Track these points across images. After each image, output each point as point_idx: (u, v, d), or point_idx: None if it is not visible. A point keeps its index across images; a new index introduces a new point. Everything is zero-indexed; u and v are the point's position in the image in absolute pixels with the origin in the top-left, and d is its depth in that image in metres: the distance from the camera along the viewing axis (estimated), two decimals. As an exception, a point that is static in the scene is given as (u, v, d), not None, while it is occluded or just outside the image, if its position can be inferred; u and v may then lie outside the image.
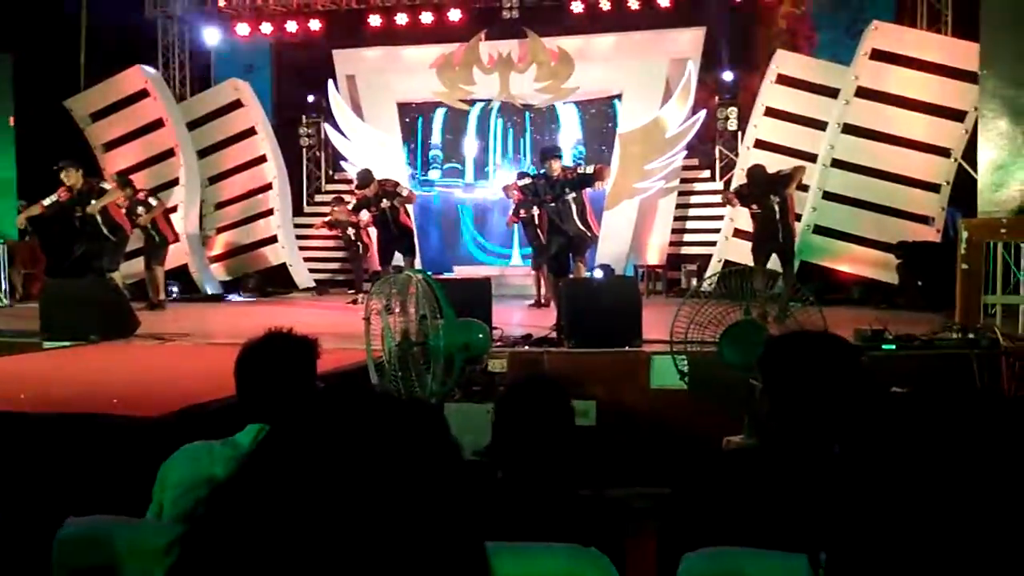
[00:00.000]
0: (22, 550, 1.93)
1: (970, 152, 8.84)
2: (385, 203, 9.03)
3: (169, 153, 11.09)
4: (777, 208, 8.26)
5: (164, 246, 9.54)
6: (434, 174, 12.55)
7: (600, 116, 12.12)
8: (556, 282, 7.83)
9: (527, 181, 8.69)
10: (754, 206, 8.47)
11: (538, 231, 8.45)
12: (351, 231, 10.88)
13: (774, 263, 8.28)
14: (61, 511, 1.78)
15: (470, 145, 12.43)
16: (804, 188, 9.45)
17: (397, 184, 9.39)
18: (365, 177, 9.22)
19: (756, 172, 8.65)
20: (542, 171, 8.52)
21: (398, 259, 9.42)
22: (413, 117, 12.47)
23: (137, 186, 9.67)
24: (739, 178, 9.80)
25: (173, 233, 9.91)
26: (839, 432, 1.65)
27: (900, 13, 10.71)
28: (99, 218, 8.63)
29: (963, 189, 9.07)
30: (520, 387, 2.07)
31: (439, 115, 12.47)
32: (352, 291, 10.74)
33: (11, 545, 2.04)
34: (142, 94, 11.10)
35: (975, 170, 8.35)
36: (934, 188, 9.55)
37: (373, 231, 10.34)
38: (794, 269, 8.41)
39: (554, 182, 8.17)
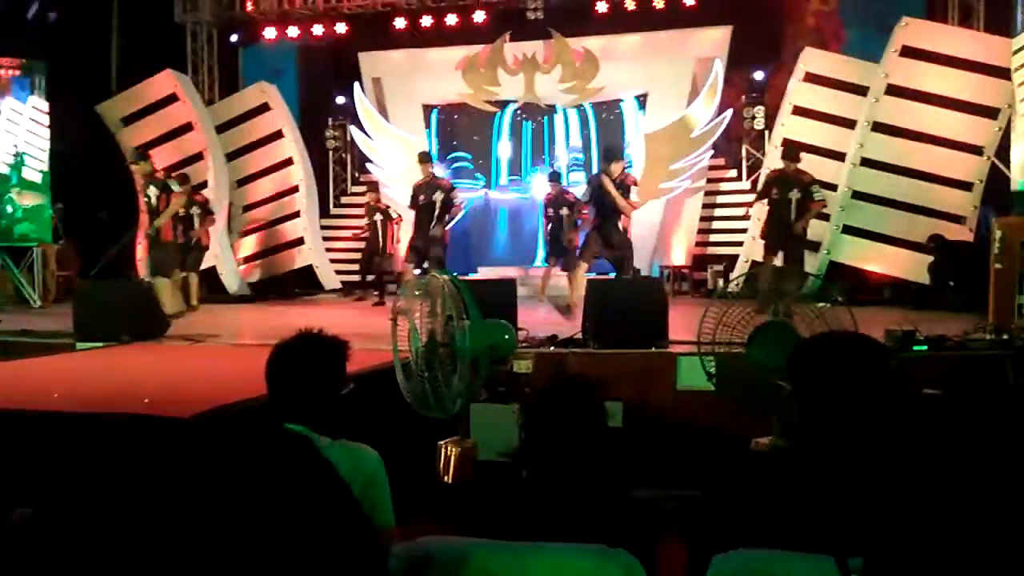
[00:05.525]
0: (55, 550, 1.96)
1: (1003, 150, 8.70)
2: (439, 196, 8.87)
3: (198, 156, 11.22)
4: (794, 207, 7.79)
5: (202, 252, 9.74)
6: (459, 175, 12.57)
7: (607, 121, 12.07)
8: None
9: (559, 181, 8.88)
10: (775, 191, 7.95)
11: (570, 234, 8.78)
12: (378, 217, 10.56)
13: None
14: (92, 511, 1.80)
15: (499, 147, 12.43)
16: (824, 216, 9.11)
17: (454, 188, 9.34)
18: (428, 153, 9.48)
19: (790, 151, 8.09)
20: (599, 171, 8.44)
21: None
22: (439, 119, 12.50)
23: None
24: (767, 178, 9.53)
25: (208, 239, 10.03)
26: (870, 435, 1.63)
27: (931, 8, 10.55)
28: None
29: (996, 188, 8.93)
30: (551, 391, 2.07)
31: (465, 117, 12.48)
32: (376, 292, 10.33)
33: (45, 545, 2.08)
34: (171, 98, 11.24)
35: (1008, 168, 8.21)
36: (966, 187, 9.39)
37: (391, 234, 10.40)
38: (801, 267, 8.01)
39: (615, 183, 8.01)
